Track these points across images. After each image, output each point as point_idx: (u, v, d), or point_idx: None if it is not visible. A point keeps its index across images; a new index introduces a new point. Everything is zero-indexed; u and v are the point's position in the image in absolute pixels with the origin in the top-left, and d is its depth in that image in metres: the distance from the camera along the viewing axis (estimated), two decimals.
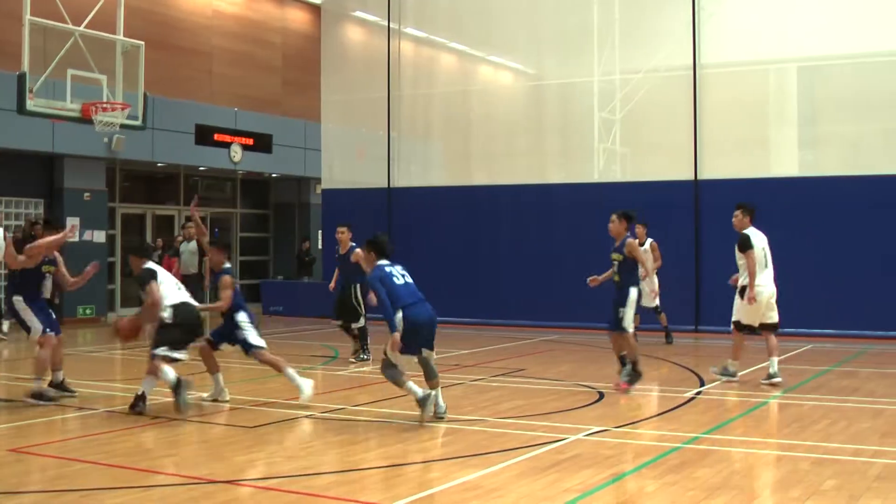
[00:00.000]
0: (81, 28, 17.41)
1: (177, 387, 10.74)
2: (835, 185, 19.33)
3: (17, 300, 12.06)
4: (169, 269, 22.47)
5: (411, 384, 10.39)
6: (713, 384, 13.17)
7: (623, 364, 12.72)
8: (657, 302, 17.91)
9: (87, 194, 23.62)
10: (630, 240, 12.96)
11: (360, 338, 15.89)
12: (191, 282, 18.21)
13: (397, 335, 10.22)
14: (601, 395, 12.21)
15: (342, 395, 12.49)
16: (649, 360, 16.00)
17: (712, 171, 20.42)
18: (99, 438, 9.86)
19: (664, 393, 12.45)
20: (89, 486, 7.92)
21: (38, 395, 11.74)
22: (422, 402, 10.29)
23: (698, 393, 12.47)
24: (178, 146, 25.45)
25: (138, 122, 18.61)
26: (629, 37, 21.95)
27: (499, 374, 14.39)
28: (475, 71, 25.95)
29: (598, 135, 22.43)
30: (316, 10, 29.02)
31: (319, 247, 26.62)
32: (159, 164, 26.42)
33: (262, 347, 11.77)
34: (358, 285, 15.58)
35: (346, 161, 25.34)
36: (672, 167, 20.89)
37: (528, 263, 21.33)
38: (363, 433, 9.96)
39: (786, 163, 21.12)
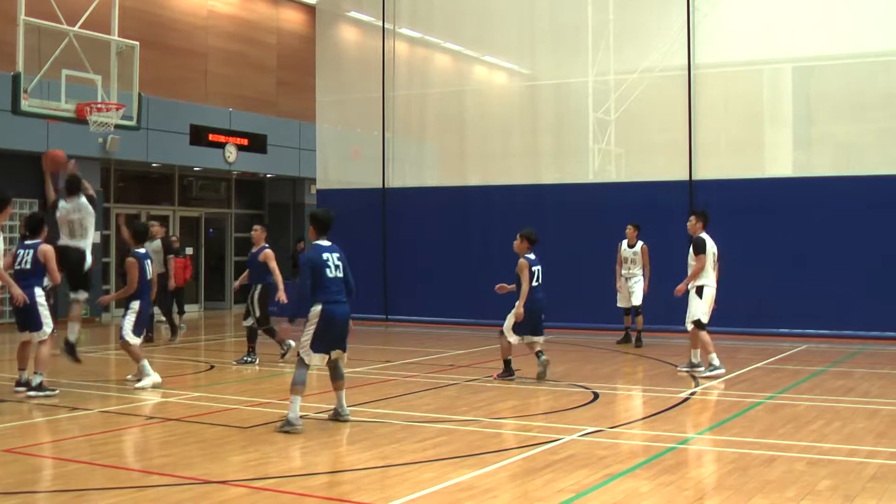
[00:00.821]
0: (76, 28, 17.40)
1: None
2: (829, 186, 19.35)
3: (40, 294, 12.22)
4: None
5: (298, 401, 9.93)
6: (708, 384, 13.18)
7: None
8: (640, 301, 17.92)
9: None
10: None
11: (249, 338, 15.83)
12: (159, 281, 17.21)
13: (288, 326, 10.29)
14: (596, 396, 12.21)
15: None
16: (643, 361, 16.02)
17: (707, 171, 20.42)
18: (93, 439, 9.85)
19: (659, 393, 12.44)
20: (83, 486, 7.90)
21: (39, 387, 12.14)
22: (288, 424, 9.79)
23: (693, 393, 12.48)
24: (173, 146, 25.44)
25: (133, 123, 18.59)
26: (624, 37, 21.98)
27: (493, 374, 14.36)
28: (470, 71, 25.96)
29: (592, 135, 22.45)
30: (311, 10, 29.03)
31: None
32: (154, 165, 26.40)
33: (123, 339, 12.79)
34: (259, 287, 15.57)
35: (341, 161, 25.33)
36: (667, 167, 20.90)
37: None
38: (358, 433, 9.95)
39: (780, 163, 21.16)
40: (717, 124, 20.74)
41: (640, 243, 17.79)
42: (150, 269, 13.11)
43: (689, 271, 14.17)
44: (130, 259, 12.88)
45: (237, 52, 28.73)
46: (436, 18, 24.61)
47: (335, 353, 10.19)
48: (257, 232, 15.99)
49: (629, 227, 17.84)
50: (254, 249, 15.91)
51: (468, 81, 25.04)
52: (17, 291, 11.71)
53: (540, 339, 13.80)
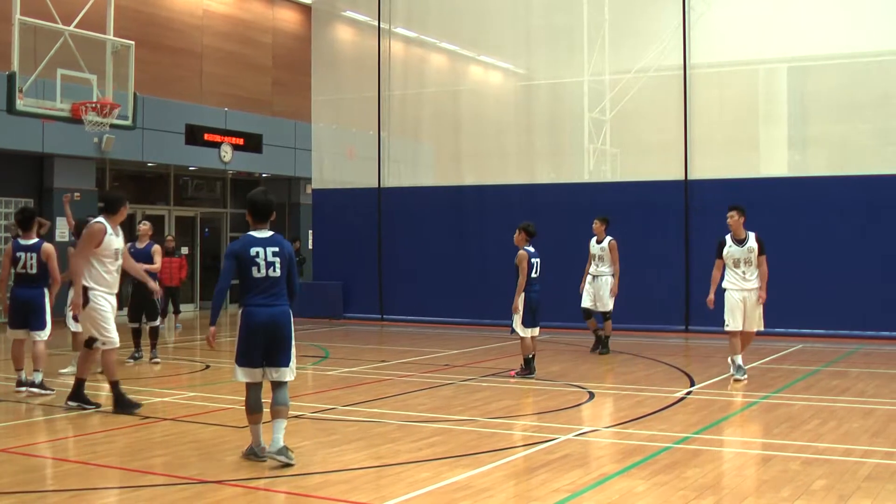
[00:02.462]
0: (71, 28, 17.40)
1: None
2: (824, 185, 19.37)
3: (46, 295, 12.37)
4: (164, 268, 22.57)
5: (255, 430, 8.57)
6: (703, 384, 13.19)
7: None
8: (611, 306, 16.71)
9: (76, 194, 23.56)
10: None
11: (152, 336, 15.85)
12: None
13: (213, 329, 8.65)
14: (591, 395, 12.22)
15: (332, 395, 12.48)
16: (639, 361, 16.03)
17: (702, 170, 20.46)
18: (89, 439, 9.85)
19: (654, 393, 12.45)
20: (79, 486, 7.90)
21: (41, 385, 12.28)
22: (251, 452, 8.57)
23: (688, 393, 12.48)
24: (168, 146, 25.45)
25: (128, 122, 18.60)
26: (619, 37, 21.98)
27: (489, 374, 14.38)
28: (465, 71, 25.96)
29: (588, 135, 22.47)
30: (306, 9, 29.01)
31: (310, 247, 26.60)
32: (149, 164, 26.39)
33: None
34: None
35: (336, 161, 25.33)
36: (662, 167, 20.92)
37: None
38: (353, 433, 9.94)
39: (775, 162, 21.18)
40: (712, 124, 20.74)
41: (608, 239, 16.63)
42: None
43: (748, 272, 13.40)
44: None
45: (233, 52, 28.72)
46: (431, 18, 24.61)
47: (270, 371, 8.47)
48: (144, 226, 15.99)
49: (596, 221, 16.79)
50: (140, 245, 15.62)
51: (464, 81, 25.05)
52: (80, 301, 11.05)
53: (535, 331, 14.07)
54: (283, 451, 8.26)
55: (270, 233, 8.57)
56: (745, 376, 13.42)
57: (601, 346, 16.80)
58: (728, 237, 13.61)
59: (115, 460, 8.74)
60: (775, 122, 21.36)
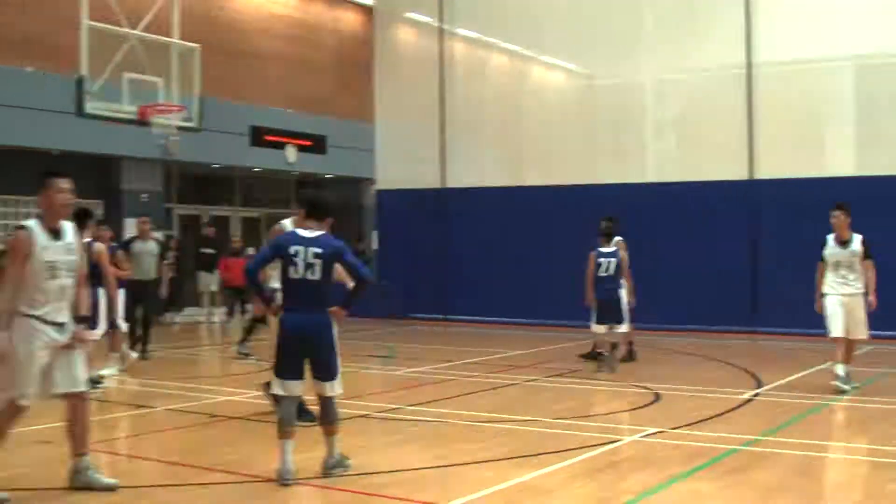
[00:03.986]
0: (138, 32, 17.66)
1: None
2: (892, 185, 19.06)
3: (101, 293, 12.49)
4: (226, 268, 22.81)
5: (285, 446, 7.88)
6: (771, 385, 13.04)
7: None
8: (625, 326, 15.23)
9: (144, 195, 23.87)
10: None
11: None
12: (148, 288, 16.10)
13: (274, 306, 8.19)
14: (657, 397, 12.14)
15: (397, 395, 12.52)
16: (704, 362, 15.91)
17: (767, 170, 20.21)
18: (156, 436, 9.98)
19: (721, 394, 12.34)
20: (146, 483, 8.01)
21: (95, 381, 12.28)
22: (278, 476, 7.83)
23: (756, 395, 12.36)
24: (233, 148, 25.67)
25: (194, 124, 18.83)
26: (682, 35, 21.75)
27: (553, 374, 14.36)
28: (527, 71, 25.90)
29: (650, 134, 22.32)
30: (368, 11, 29.13)
31: (374, 247, 26.69)
32: (214, 166, 26.64)
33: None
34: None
35: (400, 162, 25.38)
36: (726, 167, 20.69)
37: (582, 263, 21.31)
38: (418, 433, 9.98)
39: (841, 162, 20.85)
40: (776, 122, 20.46)
41: (617, 238, 15.25)
42: None
43: (850, 276, 12.47)
44: None
45: (296, 54, 28.91)
46: (492, 19, 24.57)
47: (317, 384, 8.03)
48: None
49: (602, 221, 15.46)
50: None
51: (525, 81, 24.98)
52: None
53: (622, 327, 14.70)
54: (340, 463, 8.08)
55: (318, 232, 8.03)
56: (850, 387, 12.27)
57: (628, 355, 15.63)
58: (831, 238, 12.60)
59: (181, 457, 8.82)
60: (841, 120, 21.01)
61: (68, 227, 7.61)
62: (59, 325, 7.44)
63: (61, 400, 7.52)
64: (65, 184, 7.53)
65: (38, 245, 7.32)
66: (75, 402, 7.54)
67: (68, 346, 7.50)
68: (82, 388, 7.62)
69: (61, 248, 7.45)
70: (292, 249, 7.86)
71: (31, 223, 7.43)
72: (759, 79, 20.52)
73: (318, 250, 7.87)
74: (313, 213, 8.13)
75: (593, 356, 15.30)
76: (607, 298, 14.51)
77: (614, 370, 14.23)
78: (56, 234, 7.47)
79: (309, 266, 7.84)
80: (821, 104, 20.73)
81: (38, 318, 7.33)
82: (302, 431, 8.58)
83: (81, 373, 7.64)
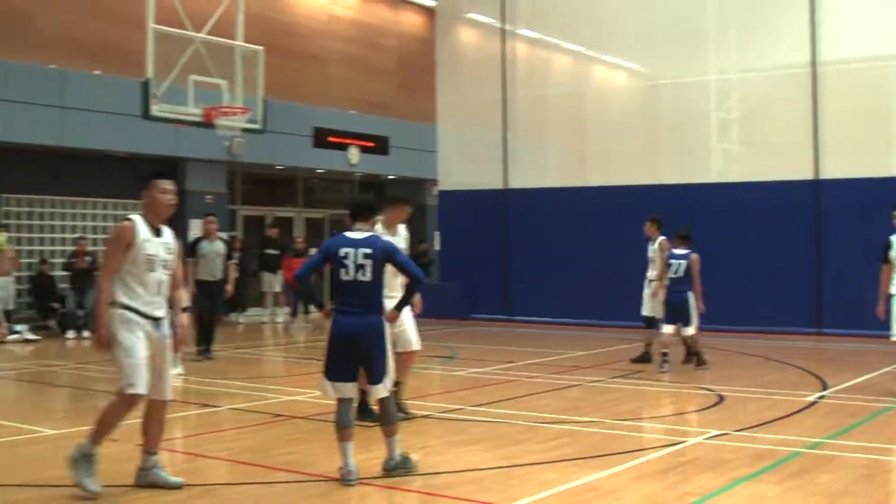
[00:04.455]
0: (202, 35, 17.85)
1: None
2: None
3: None
4: (289, 269, 22.96)
5: (346, 448, 7.87)
6: (836, 387, 12.89)
7: None
8: (654, 313, 15.52)
9: (209, 197, 24.10)
10: None
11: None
12: (214, 288, 16.33)
13: (326, 309, 8.18)
14: (721, 398, 12.05)
15: (460, 395, 12.55)
16: (769, 363, 15.77)
17: (833, 170, 20.00)
18: (222, 436, 10.09)
19: (785, 396, 12.23)
20: (210, 481, 8.11)
21: None
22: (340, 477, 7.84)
23: (821, 397, 12.23)
24: (297, 149, 25.85)
25: (258, 126, 19.00)
26: (745, 34, 21.61)
27: (617, 375, 14.32)
28: (589, 71, 25.86)
29: (714, 134, 22.17)
30: (430, 12, 29.23)
31: (436, 248, 26.77)
32: (278, 167, 26.86)
33: None
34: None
35: (462, 163, 25.45)
36: (791, 167, 20.50)
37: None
38: (481, 433, 10.00)
39: None
40: (842, 122, 20.22)
41: (660, 238, 15.28)
42: None
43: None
44: None
45: (358, 56, 29.05)
46: (554, 19, 24.56)
47: (370, 388, 8.06)
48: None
49: (647, 222, 15.58)
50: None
51: (587, 81, 24.95)
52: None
53: (689, 329, 14.70)
54: (404, 462, 8.06)
55: (367, 233, 8.06)
56: None
57: (643, 359, 15.56)
58: (894, 238, 12.34)
59: (247, 456, 8.91)
60: None
61: (167, 229, 7.80)
62: (156, 321, 7.58)
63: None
64: (168, 185, 7.74)
65: (141, 237, 7.49)
66: (157, 401, 7.67)
67: (175, 347, 7.79)
68: (170, 395, 7.80)
69: (161, 244, 7.64)
70: (342, 252, 7.92)
71: (136, 217, 7.62)
72: (823, 77, 20.31)
73: (368, 251, 7.91)
74: (358, 214, 8.19)
75: (645, 359, 15.43)
76: (675, 301, 14.62)
77: (664, 370, 14.26)
78: (157, 231, 7.66)
79: (360, 267, 7.88)
80: (887, 102, 20.45)
81: (136, 310, 7.47)
82: (367, 431, 8.61)
83: (171, 377, 7.88)
